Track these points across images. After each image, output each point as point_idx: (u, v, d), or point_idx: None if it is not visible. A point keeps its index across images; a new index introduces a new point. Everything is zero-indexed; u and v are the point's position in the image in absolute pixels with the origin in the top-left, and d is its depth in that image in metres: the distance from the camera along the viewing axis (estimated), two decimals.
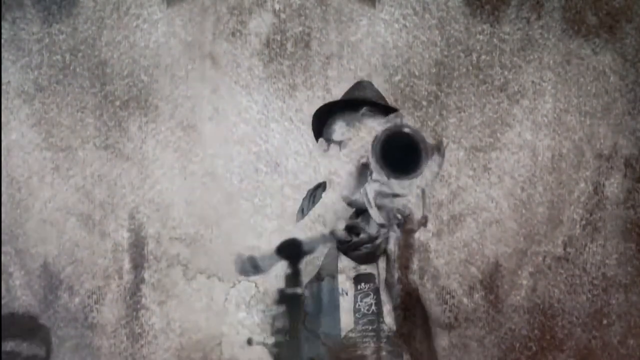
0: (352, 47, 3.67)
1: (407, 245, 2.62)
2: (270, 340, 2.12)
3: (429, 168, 2.44)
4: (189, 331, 3.67)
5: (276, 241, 3.58)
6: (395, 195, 2.47)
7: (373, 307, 2.60)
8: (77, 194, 3.68)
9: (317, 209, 3.63)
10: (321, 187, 2.78)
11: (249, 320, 3.56)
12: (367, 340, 2.58)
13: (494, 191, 3.67)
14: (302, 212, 2.79)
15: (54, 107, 3.68)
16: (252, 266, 2.23)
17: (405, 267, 2.60)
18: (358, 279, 2.61)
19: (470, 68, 3.67)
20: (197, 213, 3.67)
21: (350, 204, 2.52)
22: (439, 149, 2.44)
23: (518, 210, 3.65)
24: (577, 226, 3.68)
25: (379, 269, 2.60)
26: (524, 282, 3.65)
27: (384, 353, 2.57)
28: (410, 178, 2.42)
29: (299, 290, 2.01)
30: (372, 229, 2.53)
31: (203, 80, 3.67)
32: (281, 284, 2.04)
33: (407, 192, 2.47)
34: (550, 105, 3.67)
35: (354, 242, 2.54)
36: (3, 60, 3.67)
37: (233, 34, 3.68)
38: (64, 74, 3.68)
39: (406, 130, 2.42)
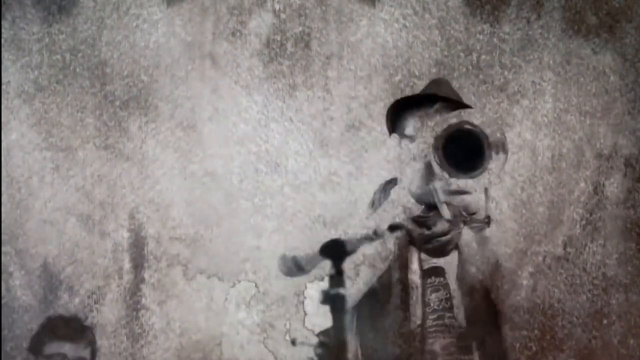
0: (352, 47, 3.67)
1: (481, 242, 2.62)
2: (314, 340, 2.13)
3: (492, 166, 2.44)
4: (189, 331, 3.67)
5: (276, 241, 3.58)
6: (462, 193, 2.48)
7: (443, 302, 2.58)
8: (77, 194, 3.68)
9: (318, 209, 3.63)
10: (393, 181, 2.76)
11: (249, 321, 3.56)
12: (436, 336, 2.56)
13: (494, 191, 3.66)
14: (373, 204, 2.77)
15: (54, 107, 3.68)
16: (296, 267, 2.24)
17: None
18: (428, 273, 2.60)
19: (470, 68, 3.67)
20: (197, 213, 3.66)
21: (418, 200, 2.52)
22: (502, 146, 2.44)
23: (518, 210, 3.65)
24: (577, 226, 3.68)
25: (450, 263, 2.59)
26: (524, 282, 3.65)
27: (453, 349, 2.56)
28: (473, 177, 2.43)
29: (342, 291, 2.00)
30: (443, 224, 2.52)
31: (203, 80, 3.67)
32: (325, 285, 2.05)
33: (473, 190, 2.47)
34: (550, 105, 3.67)
35: (426, 235, 2.53)
36: (3, 60, 3.67)
37: (233, 34, 3.68)
38: (64, 74, 3.68)
39: (468, 127, 2.42)
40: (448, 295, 2.58)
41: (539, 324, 3.65)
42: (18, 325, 3.66)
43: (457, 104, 2.57)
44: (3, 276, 3.65)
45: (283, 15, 3.67)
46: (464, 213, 2.50)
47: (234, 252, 3.61)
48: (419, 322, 2.55)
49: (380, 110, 3.64)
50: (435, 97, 2.56)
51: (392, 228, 2.26)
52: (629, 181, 3.69)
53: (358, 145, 3.65)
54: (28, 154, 3.67)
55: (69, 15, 3.68)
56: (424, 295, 2.56)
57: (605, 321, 3.67)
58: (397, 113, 2.64)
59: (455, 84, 3.67)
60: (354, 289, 2.59)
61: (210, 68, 3.67)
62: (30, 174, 3.67)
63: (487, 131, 2.42)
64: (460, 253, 2.60)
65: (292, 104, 3.67)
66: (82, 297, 3.67)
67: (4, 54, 3.67)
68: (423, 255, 2.58)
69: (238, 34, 3.68)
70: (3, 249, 3.65)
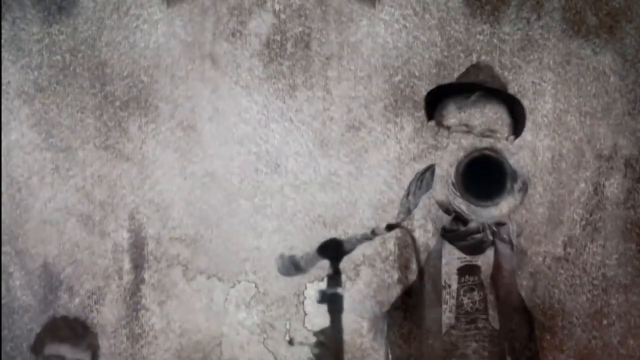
0: (352, 47, 3.67)
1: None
2: (312, 340, 2.12)
3: (510, 196, 2.41)
4: (189, 332, 3.67)
5: (276, 241, 3.58)
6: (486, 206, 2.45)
7: (477, 304, 2.53)
8: (77, 194, 3.68)
9: (318, 209, 3.63)
10: (430, 170, 2.71)
11: (249, 321, 3.56)
12: (469, 339, 2.51)
13: None
14: (407, 196, 2.73)
15: (54, 107, 3.68)
16: (294, 266, 2.23)
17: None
18: (462, 271, 2.54)
19: None
20: (197, 213, 3.66)
21: (446, 210, 2.49)
22: (524, 182, 2.41)
23: (518, 210, 3.64)
24: (577, 226, 3.68)
25: (486, 262, 2.53)
26: (524, 282, 3.65)
27: (486, 354, 2.51)
28: (491, 205, 2.40)
29: (339, 290, 2.00)
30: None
31: (203, 80, 3.67)
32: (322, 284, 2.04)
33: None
34: (550, 105, 3.67)
35: (462, 231, 2.50)
36: (3, 60, 3.67)
37: (233, 35, 3.68)
38: (64, 74, 3.68)
39: (489, 154, 2.39)
40: (482, 296, 2.52)
41: (539, 324, 3.65)
42: (18, 326, 3.66)
43: (497, 93, 2.52)
44: (3, 276, 3.65)
45: (283, 16, 3.67)
46: (491, 225, 2.46)
47: (234, 252, 3.61)
48: (451, 323, 2.50)
49: (380, 110, 3.65)
50: (475, 86, 2.52)
51: (390, 227, 2.25)
52: (629, 182, 3.69)
53: (358, 145, 3.65)
54: (28, 154, 3.68)
55: (69, 15, 3.68)
56: (457, 295, 2.51)
57: (605, 321, 3.67)
58: (435, 99, 2.58)
59: None
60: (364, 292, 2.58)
61: (210, 68, 3.67)
62: (30, 174, 3.67)
63: (512, 162, 2.38)
64: (496, 251, 2.54)
65: (292, 104, 3.67)
66: (82, 297, 3.67)
67: (4, 54, 3.67)
68: (458, 253, 2.53)
69: (238, 34, 3.68)
70: (3, 249, 3.65)
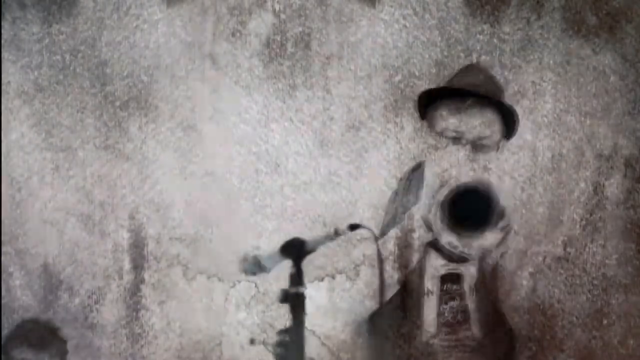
0: (352, 47, 3.67)
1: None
2: (272, 339, 2.12)
3: (494, 231, 2.41)
4: (189, 331, 3.67)
5: (276, 241, 3.58)
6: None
7: (458, 314, 2.52)
8: (77, 194, 3.68)
9: (319, 208, 3.63)
10: (419, 169, 2.71)
11: (249, 321, 3.56)
12: (449, 349, 2.50)
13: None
14: (395, 197, 2.73)
15: (54, 107, 3.68)
16: (256, 266, 2.23)
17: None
18: (444, 279, 2.54)
19: None
20: (197, 213, 3.67)
21: (429, 227, 2.49)
22: (508, 219, 2.41)
23: (518, 210, 3.65)
24: (577, 226, 3.68)
25: (468, 272, 2.53)
26: (524, 282, 3.65)
27: None
28: (476, 236, 2.40)
29: (301, 290, 2.00)
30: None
31: (203, 80, 3.67)
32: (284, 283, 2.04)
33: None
34: (550, 105, 3.67)
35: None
36: (3, 60, 3.67)
37: (233, 34, 3.68)
38: (64, 74, 3.68)
39: (475, 186, 2.40)
40: (464, 306, 2.51)
41: (539, 324, 3.65)
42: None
43: (490, 100, 2.52)
44: (3, 276, 3.66)
45: (283, 16, 3.68)
46: (476, 251, 2.46)
47: (234, 252, 3.61)
48: (432, 333, 2.49)
49: (380, 110, 3.65)
50: (467, 92, 2.51)
51: (353, 227, 2.26)
52: (629, 181, 3.69)
53: (358, 145, 3.65)
54: (28, 154, 3.68)
55: (69, 15, 3.68)
56: (439, 302, 2.50)
57: (605, 321, 3.67)
58: (429, 101, 2.57)
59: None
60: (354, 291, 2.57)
61: (210, 68, 3.67)
62: (30, 174, 3.68)
63: (499, 199, 2.38)
64: (481, 260, 2.54)
65: (292, 104, 3.67)
66: (82, 297, 3.68)
67: (4, 54, 3.67)
68: (442, 260, 2.52)
69: (238, 34, 3.68)
70: (3, 249, 3.66)
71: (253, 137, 3.66)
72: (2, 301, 3.64)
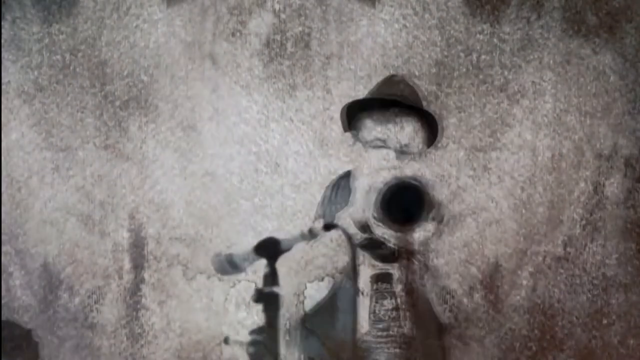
0: (352, 47, 3.67)
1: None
2: (247, 339, 2.12)
3: (425, 225, 2.43)
4: (189, 331, 3.67)
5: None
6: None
7: (390, 311, 2.56)
8: (77, 194, 3.68)
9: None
10: (346, 177, 2.76)
11: (249, 321, 3.56)
12: (381, 346, 2.54)
13: (494, 191, 3.67)
14: (323, 201, 2.76)
15: (54, 107, 3.68)
16: (230, 265, 2.22)
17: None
18: (376, 279, 2.57)
19: (470, 68, 3.67)
20: (197, 213, 3.67)
21: (361, 228, 2.50)
22: (439, 210, 2.43)
23: (518, 210, 3.65)
24: (577, 226, 3.68)
25: (399, 271, 2.57)
26: (524, 282, 3.65)
27: None
28: (408, 231, 2.42)
29: (276, 289, 2.00)
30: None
31: (203, 80, 3.67)
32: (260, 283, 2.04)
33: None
34: (550, 105, 3.67)
35: (374, 239, 2.52)
36: (3, 60, 3.67)
37: (233, 34, 3.68)
38: (64, 74, 3.68)
39: (410, 181, 2.41)
40: (395, 304, 2.55)
41: (539, 324, 3.65)
42: (18, 325, 3.66)
43: (414, 109, 2.55)
44: (3, 276, 3.66)
45: (283, 15, 3.67)
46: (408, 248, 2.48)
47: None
48: (365, 330, 2.53)
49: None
50: (392, 102, 2.55)
51: (327, 227, 2.26)
52: (629, 181, 3.69)
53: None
54: (28, 154, 3.68)
55: (69, 15, 3.68)
56: (371, 302, 2.54)
57: (605, 321, 3.67)
58: (354, 112, 2.62)
59: (455, 84, 3.68)
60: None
61: (210, 68, 3.67)
62: (30, 174, 3.68)
63: (430, 191, 2.40)
64: (409, 260, 2.58)
65: (292, 104, 3.67)
66: (82, 297, 3.68)
67: (4, 54, 3.67)
68: (373, 261, 2.55)
69: (238, 34, 3.68)
70: (3, 249, 3.66)
71: (253, 137, 3.66)
72: (2, 301, 3.64)
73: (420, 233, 2.44)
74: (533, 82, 3.67)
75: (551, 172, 3.68)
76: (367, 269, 2.60)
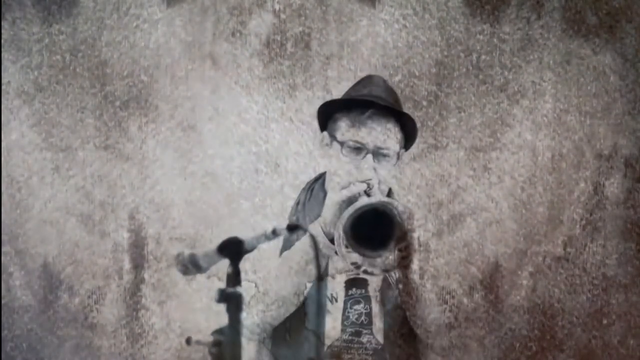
0: (352, 47, 3.67)
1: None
2: (209, 339, 2.10)
3: (389, 254, 2.43)
4: (189, 331, 3.66)
5: (276, 241, 3.58)
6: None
7: (363, 316, 2.56)
8: (77, 194, 3.68)
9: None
10: (320, 180, 2.76)
11: (249, 320, 3.56)
12: (352, 352, 2.54)
13: (494, 191, 3.67)
14: (297, 205, 2.76)
15: (54, 107, 3.68)
16: (192, 264, 2.21)
17: (405, 267, 2.59)
18: (350, 284, 2.57)
19: (470, 68, 3.67)
20: (197, 213, 3.67)
21: (332, 240, 2.50)
22: (408, 240, 2.42)
23: (518, 210, 3.65)
24: (577, 226, 3.68)
25: (373, 276, 2.56)
26: (524, 282, 3.65)
27: None
28: (377, 256, 2.42)
29: (239, 290, 2.00)
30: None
31: (203, 80, 3.67)
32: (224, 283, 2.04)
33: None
34: (550, 105, 3.67)
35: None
36: (3, 60, 3.67)
37: (233, 34, 3.68)
38: (64, 74, 3.68)
39: (378, 206, 2.41)
40: (368, 309, 2.55)
41: (539, 324, 3.65)
42: (18, 325, 3.66)
43: (391, 110, 2.54)
44: (3, 276, 3.66)
45: (283, 15, 3.67)
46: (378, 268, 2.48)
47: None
48: (336, 336, 2.53)
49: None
50: (367, 103, 2.54)
51: (291, 228, 2.25)
52: (629, 181, 3.69)
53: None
54: (28, 154, 3.68)
55: (69, 15, 3.68)
56: (344, 307, 2.54)
57: (605, 321, 3.67)
58: (329, 113, 2.61)
59: (455, 84, 3.68)
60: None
61: (210, 68, 3.67)
62: (30, 174, 3.67)
63: (402, 218, 2.39)
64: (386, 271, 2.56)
65: (292, 104, 3.67)
66: (82, 297, 3.68)
67: (4, 54, 3.67)
68: (345, 267, 2.54)
69: (238, 34, 3.68)
70: (3, 249, 3.65)
71: (253, 137, 3.66)
72: (2, 301, 3.64)
73: (387, 260, 2.44)
74: (533, 82, 3.67)
75: (551, 172, 3.68)
76: (342, 274, 2.59)
